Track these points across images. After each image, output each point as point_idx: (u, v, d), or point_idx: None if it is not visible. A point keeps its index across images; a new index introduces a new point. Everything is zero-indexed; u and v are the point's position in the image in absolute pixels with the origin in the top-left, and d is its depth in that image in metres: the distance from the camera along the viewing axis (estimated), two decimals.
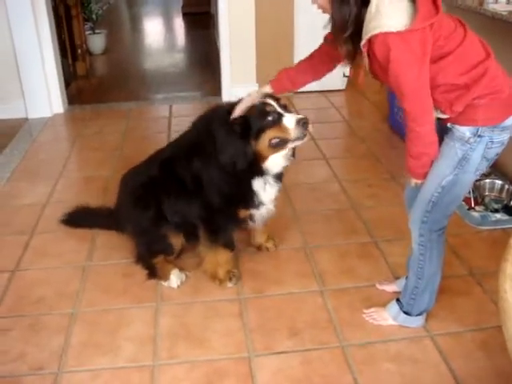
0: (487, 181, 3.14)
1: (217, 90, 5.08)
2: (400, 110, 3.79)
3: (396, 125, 4.05)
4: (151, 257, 2.52)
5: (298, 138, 2.16)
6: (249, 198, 2.32)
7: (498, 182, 3.13)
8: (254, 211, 2.38)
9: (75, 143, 4.21)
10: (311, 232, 2.88)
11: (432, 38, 1.67)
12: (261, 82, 4.65)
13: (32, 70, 4.51)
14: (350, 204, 3.15)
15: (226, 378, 1.99)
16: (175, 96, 5.20)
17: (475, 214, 2.96)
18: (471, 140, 1.80)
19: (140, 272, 2.55)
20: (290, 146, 2.21)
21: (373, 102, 4.81)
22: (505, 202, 3.02)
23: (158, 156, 2.53)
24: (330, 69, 2.18)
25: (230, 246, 2.47)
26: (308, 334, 2.18)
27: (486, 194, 3.10)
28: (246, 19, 4.67)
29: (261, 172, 2.26)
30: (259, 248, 2.73)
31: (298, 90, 2.42)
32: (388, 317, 2.22)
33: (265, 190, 2.33)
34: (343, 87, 5.11)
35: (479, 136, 1.80)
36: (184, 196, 2.39)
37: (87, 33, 6.65)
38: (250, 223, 2.48)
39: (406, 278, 2.18)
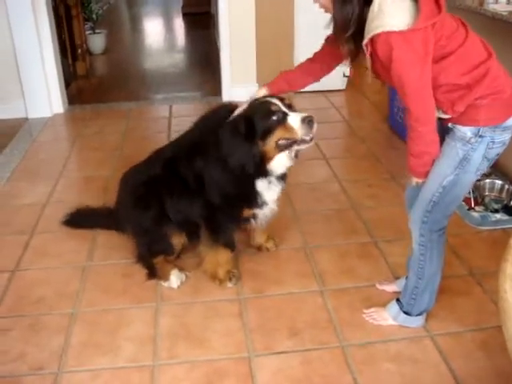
0: (487, 181, 3.14)
1: (217, 90, 5.07)
2: (400, 109, 3.80)
3: (396, 125, 4.05)
4: (151, 257, 2.52)
5: (304, 141, 2.15)
6: (252, 198, 2.31)
7: (498, 182, 3.13)
8: (257, 211, 2.38)
9: (75, 143, 4.21)
10: (311, 232, 2.88)
11: (434, 37, 1.67)
12: (261, 82, 4.64)
13: (32, 69, 4.51)
14: (350, 204, 3.15)
15: (226, 378, 1.99)
16: (175, 96, 5.20)
17: (475, 214, 2.96)
18: (472, 140, 1.80)
19: (140, 272, 2.55)
20: (297, 148, 2.20)
21: (373, 102, 4.81)
22: (505, 202, 3.02)
23: (159, 155, 2.52)
24: (331, 70, 2.18)
25: (230, 245, 2.47)
26: (308, 334, 2.18)
27: (486, 194, 3.10)
28: (246, 19, 4.67)
29: (265, 173, 2.25)
30: (259, 248, 2.72)
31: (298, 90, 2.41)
32: (388, 317, 2.22)
33: (268, 190, 2.32)
34: (343, 87, 5.11)
35: (480, 136, 1.80)
36: (186, 195, 2.39)
37: (87, 33, 6.66)
38: (253, 223, 2.47)
39: (406, 278, 2.18)
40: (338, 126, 4.40)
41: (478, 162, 1.84)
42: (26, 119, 4.61)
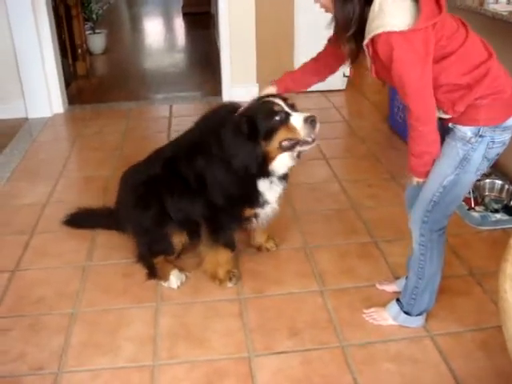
0: (487, 181, 3.13)
1: (217, 89, 5.08)
2: (400, 109, 3.80)
3: (396, 125, 4.05)
4: (152, 256, 2.52)
5: (306, 142, 2.15)
6: (254, 198, 2.31)
7: (498, 182, 3.13)
8: (258, 210, 2.38)
9: (75, 143, 4.21)
10: (311, 232, 2.88)
11: (435, 37, 1.68)
12: (261, 81, 4.65)
13: (32, 69, 4.51)
14: (350, 204, 3.15)
15: (226, 378, 1.99)
16: (175, 96, 5.20)
17: (475, 214, 2.96)
18: (472, 140, 1.80)
19: (140, 272, 2.55)
20: (300, 148, 2.19)
21: (373, 102, 4.81)
22: (505, 202, 3.02)
23: (160, 154, 2.52)
24: (335, 70, 2.18)
25: (230, 245, 2.47)
26: (308, 334, 2.18)
27: (486, 194, 3.10)
28: (246, 19, 4.67)
29: (267, 173, 2.25)
30: (259, 248, 2.72)
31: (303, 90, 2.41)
32: (388, 317, 2.22)
33: (270, 190, 2.32)
34: (343, 87, 5.11)
35: (481, 136, 1.80)
36: (187, 194, 2.38)
37: (87, 33, 6.66)
38: (254, 222, 2.47)
39: (406, 277, 2.18)
40: (338, 125, 4.40)
41: (478, 162, 1.84)
42: (26, 119, 4.61)
